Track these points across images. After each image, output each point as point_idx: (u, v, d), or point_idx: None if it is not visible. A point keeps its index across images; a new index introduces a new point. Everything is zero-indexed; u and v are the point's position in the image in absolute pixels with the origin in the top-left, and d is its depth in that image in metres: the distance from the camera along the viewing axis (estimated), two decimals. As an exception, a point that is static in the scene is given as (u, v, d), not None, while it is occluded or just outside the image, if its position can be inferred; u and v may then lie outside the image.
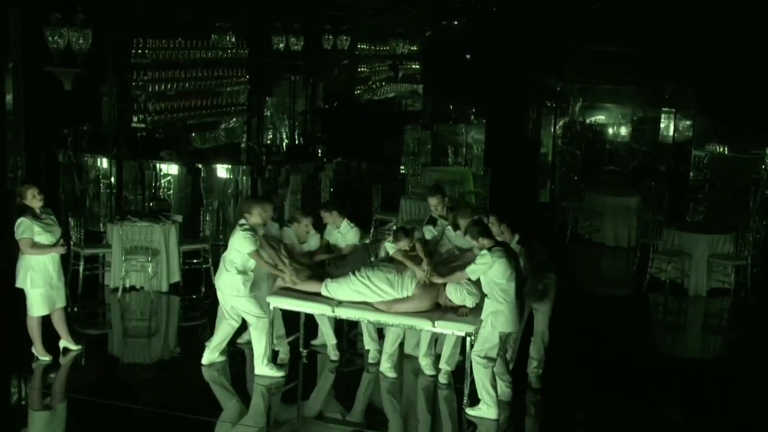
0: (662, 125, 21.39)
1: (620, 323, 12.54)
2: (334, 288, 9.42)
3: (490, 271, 8.58)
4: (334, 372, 10.16)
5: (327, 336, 10.33)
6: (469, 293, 9.03)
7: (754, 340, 12.01)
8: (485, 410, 8.81)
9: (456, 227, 9.88)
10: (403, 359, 10.22)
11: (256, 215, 9.54)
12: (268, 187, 12.07)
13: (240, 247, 9.45)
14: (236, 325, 9.95)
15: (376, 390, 9.72)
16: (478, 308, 8.99)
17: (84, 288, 12.32)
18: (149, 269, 12.16)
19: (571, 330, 11.02)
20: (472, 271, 8.73)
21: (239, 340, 10.57)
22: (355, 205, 17.88)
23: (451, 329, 9.01)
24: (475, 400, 8.93)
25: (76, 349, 10.23)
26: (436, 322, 9.01)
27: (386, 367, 9.88)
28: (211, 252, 12.94)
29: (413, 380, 9.88)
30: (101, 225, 15.15)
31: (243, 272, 9.53)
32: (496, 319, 8.64)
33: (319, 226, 10.65)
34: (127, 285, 12.39)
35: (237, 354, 10.39)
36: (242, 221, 9.58)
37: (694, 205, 18.85)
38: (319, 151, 16.81)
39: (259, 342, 9.57)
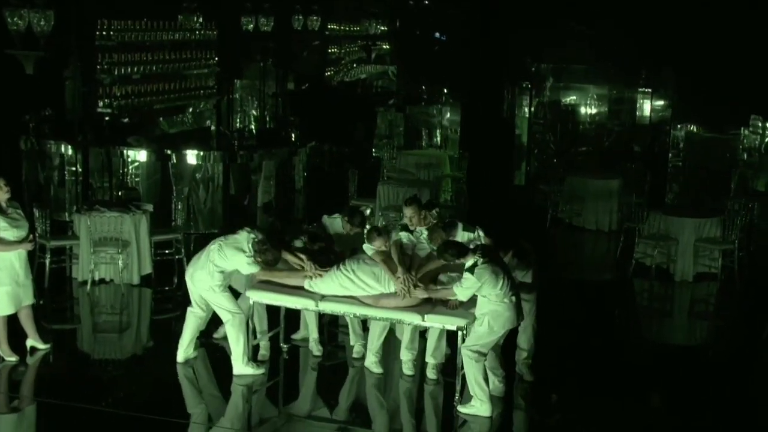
0: (638, 106, 21.12)
1: (607, 310, 12.22)
2: (317, 282, 8.96)
3: (482, 289, 8.22)
4: (316, 368, 9.74)
5: (311, 330, 9.88)
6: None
7: (744, 326, 11.71)
8: (478, 407, 8.43)
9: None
10: (391, 352, 9.82)
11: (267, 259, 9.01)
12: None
13: (242, 270, 9.02)
14: (203, 315, 9.51)
15: (361, 386, 9.32)
16: (469, 300, 8.60)
17: (51, 282, 11.77)
18: (120, 261, 11.63)
19: (556, 318, 10.59)
20: (462, 293, 8.37)
21: (215, 335, 10.11)
22: (330, 191, 17.55)
23: (441, 323, 8.59)
24: (466, 397, 8.55)
25: (44, 348, 9.72)
26: (425, 316, 8.59)
27: (371, 362, 9.45)
28: (183, 242, 12.43)
29: (401, 375, 9.46)
30: (67, 215, 14.59)
31: (222, 272, 9.07)
32: (495, 320, 8.26)
33: None
34: (96, 278, 11.85)
35: (216, 350, 9.93)
36: (246, 248, 8.96)
37: (672, 187, 18.60)
38: (293, 135, 16.31)
39: (236, 341, 9.10)
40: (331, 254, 9.41)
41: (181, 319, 11.25)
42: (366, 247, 8.97)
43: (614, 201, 15.83)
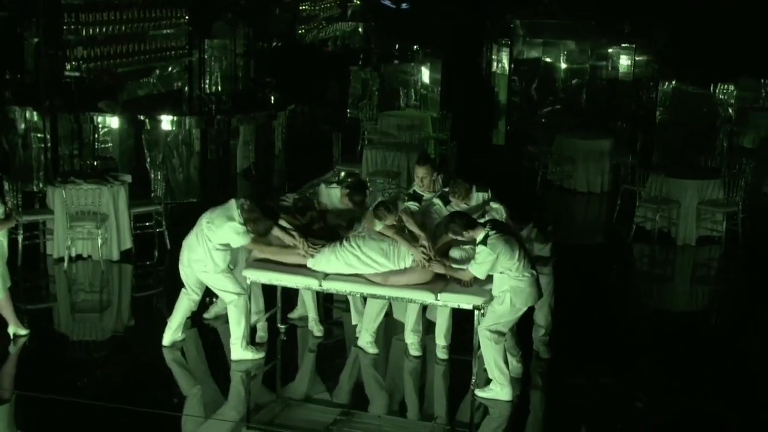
0: (621, 62, 20.60)
1: (610, 277, 11.74)
2: (319, 259, 8.31)
3: (495, 264, 7.63)
4: (315, 349, 9.14)
5: (310, 309, 9.27)
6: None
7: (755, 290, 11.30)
8: (498, 391, 7.89)
9: (447, 201, 8.73)
10: (387, 331, 9.26)
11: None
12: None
13: (232, 242, 8.32)
14: (197, 299, 8.87)
15: (365, 368, 8.75)
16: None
17: (24, 259, 11.04)
18: (98, 237, 10.90)
19: (561, 287, 10.05)
20: (478, 270, 7.75)
21: (206, 315, 9.47)
22: (311, 156, 16.84)
23: (456, 302, 7.98)
24: (485, 380, 8.02)
25: (26, 334, 9.02)
26: (439, 295, 7.98)
27: (367, 342, 8.87)
28: (164, 214, 11.72)
29: (406, 356, 8.89)
30: (34, 186, 13.81)
31: (220, 250, 8.40)
32: (517, 297, 7.69)
33: None
34: (73, 255, 11.12)
35: (207, 332, 9.31)
36: (236, 215, 8.30)
37: (659, 145, 18.13)
38: (272, 97, 15.55)
39: (237, 323, 8.46)
40: (326, 229, 8.78)
41: (163, 296, 10.75)
42: (377, 224, 8.29)
43: (605, 162, 15.33)
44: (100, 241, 10.92)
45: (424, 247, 8.04)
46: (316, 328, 9.24)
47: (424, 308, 8.96)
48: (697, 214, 12.50)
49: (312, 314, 9.28)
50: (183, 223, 12.03)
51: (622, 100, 20.62)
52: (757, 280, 11.60)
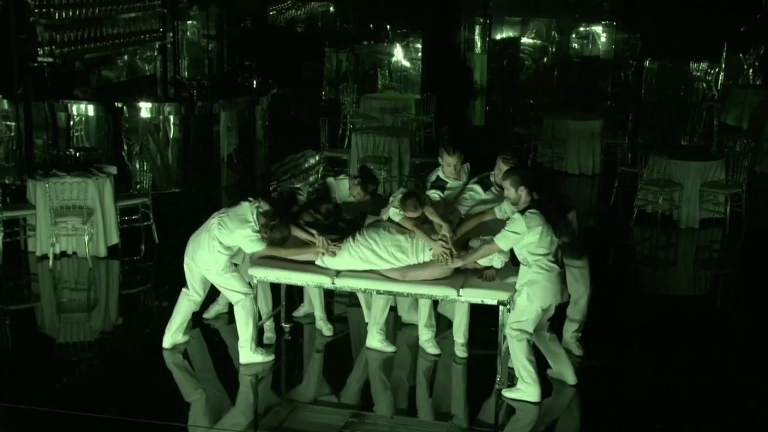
0: (602, 39, 20.29)
1: (618, 262, 11.41)
2: (330, 256, 7.86)
3: (524, 239, 7.21)
4: (323, 348, 8.68)
5: (316, 307, 8.80)
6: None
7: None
8: (524, 390, 7.49)
9: (487, 186, 8.19)
10: (400, 326, 8.84)
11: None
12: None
13: (244, 248, 7.86)
14: (200, 300, 8.36)
15: (376, 367, 8.30)
16: (507, 268, 7.64)
17: (4, 257, 10.46)
18: (85, 233, 10.33)
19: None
20: (502, 239, 7.28)
21: (206, 315, 8.98)
22: (299, 141, 16.38)
23: (480, 297, 7.58)
24: (509, 379, 7.64)
25: None
26: (461, 290, 7.57)
27: (379, 340, 8.41)
28: (151, 206, 11.16)
29: (416, 353, 8.46)
30: (7, 178, 13.17)
31: (226, 251, 7.91)
32: (533, 291, 7.29)
33: None
34: (58, 251, 10.55)
35: (209, 333, 8.81)
36: (252, 219, 7.82)
37: (644, 123, 17.88)
38: (254, 82, 14.99)
39: (245, 325, 7.97)
40: (341, 224, 8.33)
41: (154, 291, 10.28)
42: (393, 212, 7.85)
43: (597, 142, 15.00)
44: (86, 237, 10.35)
45: (445, 240, 7.61)
46: (324, 327, 8.77)
47: (435, 302, 8.53)
48: (700, 196, 12.20)
49: (319, 313, 8.81)
50: (166, 215, 11.64)
51: (604, 79, 20.33)
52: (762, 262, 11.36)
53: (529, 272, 7.31)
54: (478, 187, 8.18)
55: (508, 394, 7.55)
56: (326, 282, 7.84)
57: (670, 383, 7.99)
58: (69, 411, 7.35)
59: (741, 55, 19.09)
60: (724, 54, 18.88)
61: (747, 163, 12.15)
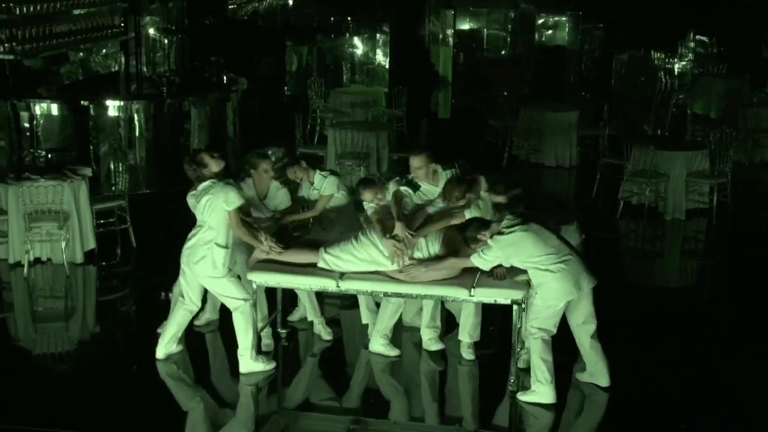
0: (568, 30, 20.15)
1: (608, 256, 11.20)
2: (334, 257, 7.51)
3: (509, 259, 7.01)
4: (319, 353, 8.33)
5: (313, 311, 8.44)
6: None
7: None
8: (539, 392, 7.22)
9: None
10: (402, 328, 8.52)
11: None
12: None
13: (227, 203, 7.43)
14: (195, 309, 7.96)
15: (378, 371, 7.99)
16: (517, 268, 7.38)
17: (-27, 266, 10.00)
18: (62, 238, 9.85)
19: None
20: (479, 262, 7.13)
21: (197, 322, 8.56)
22: (267, 138, 15.90)
23: (493, 297, 7.30)
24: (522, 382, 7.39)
25: None
26: (473, 290, 7.28)
27: (382, 345, 8.08)
28: (128, 209, 10.71)
29: (420, 356, 8.16)
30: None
31: (224, 246, 7.52)
32: (544, 293, 7.06)
33: None
34: (32, 258, 10.05)
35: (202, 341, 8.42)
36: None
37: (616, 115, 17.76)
38: (224, 78, 14.55)
39: (245, 332, 7.60)
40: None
41: (130, 297, 9.90)
42: (366, 206, 7.63)
43: (573, 134, 14.82)
44: (63, 242, 9.87)
45: (397, 239, 7.33)
46: (324, 332, 8.42)
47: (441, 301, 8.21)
48: (685, 186, 12.06)
49: (316, 317, 8.45)
50: (139, 217, 11.15)
51: (569, 70, 20.22)
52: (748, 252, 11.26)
53: (536, 276, 7.08)
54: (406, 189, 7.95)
55: (523, 397, 7.28)
56: (331, 285, 7.50)
57: (659, 377, 7.81)
58: (52, 429, 6.96)
59: (707, 40, 19.10)
60: (692, 44, 18.86)
61: (732, 152, 12.03)
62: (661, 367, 8.02)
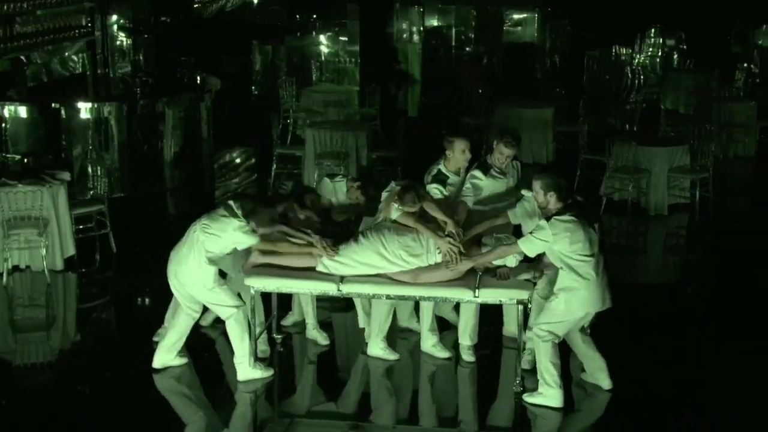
0: (535, 26, 20.13)
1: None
2: (333, 261, 7.34)
3: (552, 247, 6.83)
4: (316, 359, 8.15)
5: (308, 315, 8.26)
6: (510, 250, 7.21)
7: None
8: (546, 395, 7.12)
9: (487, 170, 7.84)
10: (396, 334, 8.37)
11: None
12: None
13: (238, 244, 7.26)
14: (196, 316, 7.70)
15: (377, 376, 7.84)
16: (521, 269, 7.28)
17: (-51, 275, 9.65)
18: (41, 244, 9.55)
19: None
20: (527, 244, 6.93)
21: (203, 323, 8.27)
22: (241, 138, 15.74)
23: (498, 298, 7.19)
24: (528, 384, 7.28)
25: None
26: (477, 291, 7.15)
27: (381, 348, 7.91)
28: (108, 214, 10.44)
29: (420, 360, 8.00)
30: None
31: (215, 262, 7.31)
32: (571, 299, 6.91)
33: None
34: (10, 266, 9.74)
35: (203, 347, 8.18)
36: (238, 213, 7.26)
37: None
38: (197, 78, 14.28)
39: (240, 339, 7.39)
40: (332, 226, 7.86)
41: (112, 304, 9.67)
42: (394, 210, 7.38)
43: (549, 131, 14.77)
44: (42, 249, 9.58)
45: (452, 237, 7.19)
46: (320, 336, 8.24)
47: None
48: (667, 181, 12.06)
49: (312, 321, 8.28)
50: (116, 221, 10.88)
51: (536, 65, 20.19)
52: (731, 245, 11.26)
53: (567, 278, 6.92)
54: (478, 173, 7.80)
55: (530, 399, 7.18)
56: (331, 289, 7.34)
57: (647, 375, 7.76)
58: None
59: (678, 35, 19.20)
60: (661, 39, 18.93)
61: (713, 147, 12.05)
62: (651, 365, 7.96)
